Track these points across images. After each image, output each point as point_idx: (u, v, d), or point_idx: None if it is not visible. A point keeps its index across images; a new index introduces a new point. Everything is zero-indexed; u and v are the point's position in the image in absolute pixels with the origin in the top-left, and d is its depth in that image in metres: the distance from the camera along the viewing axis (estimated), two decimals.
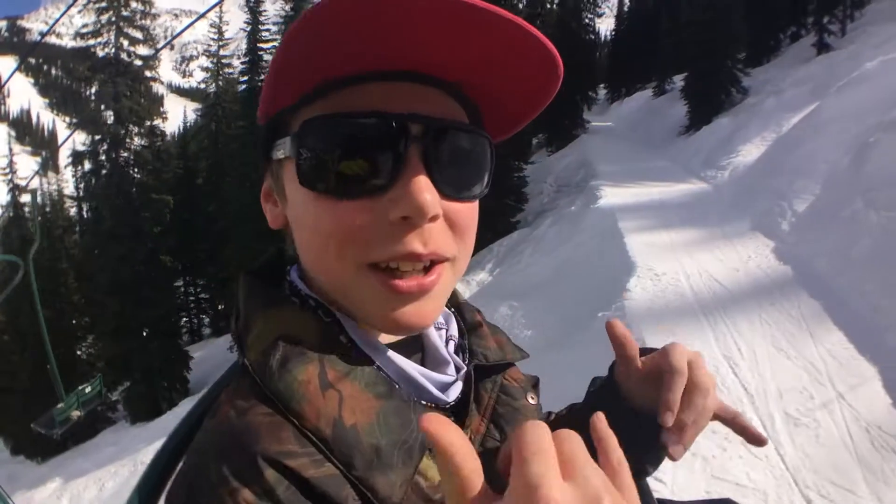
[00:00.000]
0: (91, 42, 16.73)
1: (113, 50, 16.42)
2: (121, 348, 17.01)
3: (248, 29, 17.19)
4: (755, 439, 0.51)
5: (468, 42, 0.39)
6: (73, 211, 23.67)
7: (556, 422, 0.63)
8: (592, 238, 6.88)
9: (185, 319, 24.17)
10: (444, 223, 0.42)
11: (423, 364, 0.48)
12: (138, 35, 16.80)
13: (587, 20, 20.53)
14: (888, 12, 13.94)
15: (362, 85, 0.40)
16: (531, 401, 0.54)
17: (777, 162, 7.64)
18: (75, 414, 9.75)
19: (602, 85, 29.22)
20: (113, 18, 16.34)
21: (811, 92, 10.15)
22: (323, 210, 0.40)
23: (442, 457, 0.28)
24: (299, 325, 0.42)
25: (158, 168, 17.86)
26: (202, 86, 20.30)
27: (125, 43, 16.56)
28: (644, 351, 0.56)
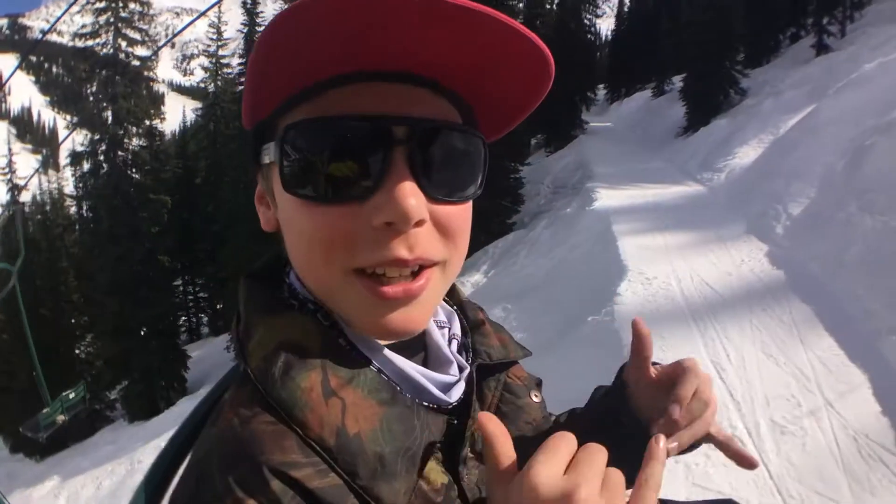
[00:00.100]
0: (90, 43, 16.77)
1: (111, 51, 16.45)
2: (119, 347, 17.08)
3: (245, 30, 17.20)
4: (748, 463, 0.52)
5: (458, 42, 0.38)
6: (73, 209, 23.71)
7: (556, 425, 0.63)
8: (586, 241, 6.87)
9: (183, 318, 24.24)
10: (431, 227, 0.41)
11: (425, 364, 0.48)
12: (136, 36, 16.85)
13: (586, 20, 20.49)
14: (888, 13, 13.88)
15: (348, 86, 0.39)
16: (535, 399, 0.54)
17: (773, 164, 7.61)
18: (60, 418, 10.02)
19: (602, 85, 29.18)
20: (111, 19, 16.40)
21: (809, 93, 10.10)
22: (308, 215, 0.40)
23: (487, 442, 0.37)
24: (300, 331, 0.42)
25: (156, 168, 17.92)
26: (202, 84, 20.31)
27: (123, 44, 16.60)
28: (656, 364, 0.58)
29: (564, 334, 4.54)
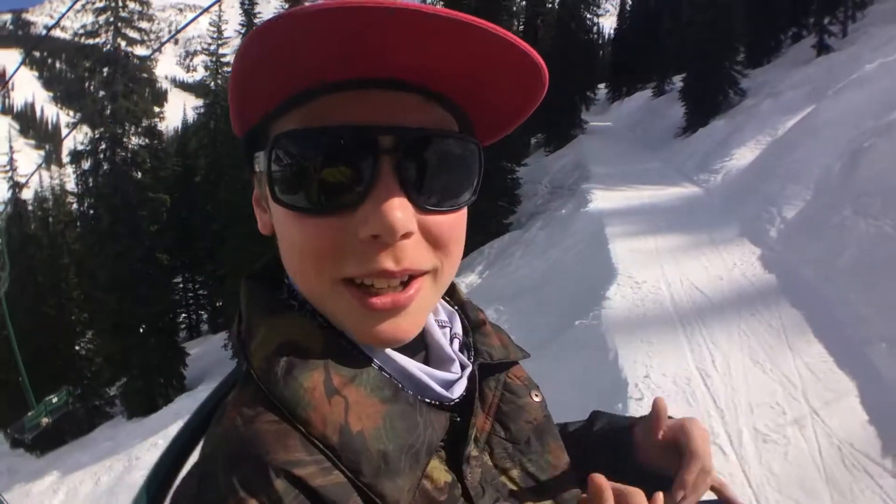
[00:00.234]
0: (89, 42, 16.84)
1: (111, 49, 16.49)
2: (119, 344, 17.19)
3: (243, 31, 17.17)
4: None
5: (450, 52, 0.37)
6: (74, 206, 23.81)
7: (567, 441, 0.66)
8: (580, 242, 6.84)
9: (183, 316, 24.34)
10: (420, 238, 0.41)
11: (426, 362, 0.48)
12: (136, 36, 16.90)
13: (588, 19, 20.39)
14: (890, 13, 13.76)
15: (336, 95, 0.39)
16: (535, 398, 0.54)
17: (770, 166, 7.55)
18: (44, 421, 10.37)
19: (603, 84, 29.08)
20: (111, 19, 16.44)
21: (809, 94, 10.02)
22: (297, 226, 0.40)
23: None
24: (301, 331, 0.42)
25: (156, 167, 17.98)
26: (206, 81, 20.31)
27: (123, 43, 16.64)
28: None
29: (553, 337, 4.53)
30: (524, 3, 20.69)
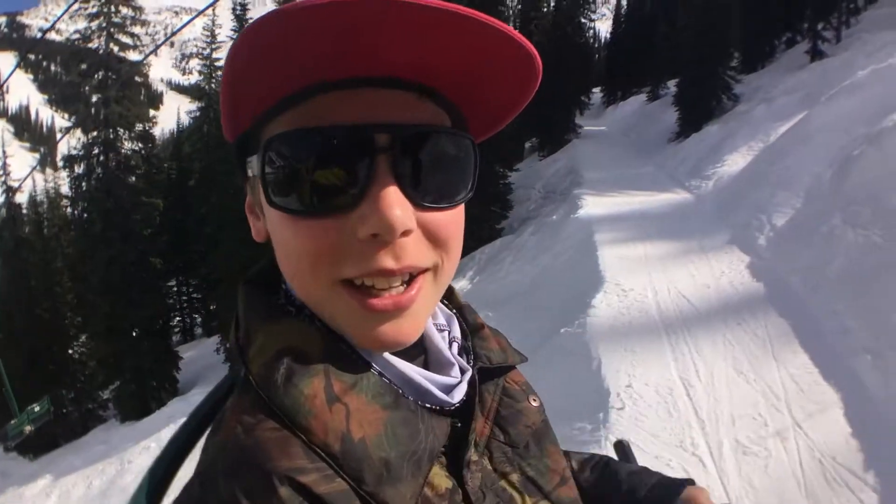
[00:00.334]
0: (82, 48, 16.90)
1: (104, 55, 16.51)
2: (112, 348, 17.11)
3: (234, 36, 17.15)
4: None
5: (443, 45, 0.37)
6: (69, 209, 23.71)
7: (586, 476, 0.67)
8: (569, 249, 6.83)
9: (177, 319, 24.24)
10: (420, 235, 0.40)
11: (426, 366, 0.48)
12: (128, 41, 16.94)
13: (584, 22, 20.45)
14: (884, 19, 13.84)
15: (329, 94, 0.38)
16: (533, 403, 0.54)
17: (761, 173, 7.56)
18: (27, 429, 10.59)
19: (598, 88, 29.15)
20: (104, 24, 16.47)
21: (802, 100, 10.03)
22: (292, 229, 0.40)
23: None
24: (301, 337, 0.42)
25: (149, 172, 17.97)
26: (202, 84, 20.30)
27: (115, 49, 16.66)
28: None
29: (540, 345, 4.50)
30: (519, 6, 20.77)
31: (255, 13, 18.36)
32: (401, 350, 0.44)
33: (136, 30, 17.07)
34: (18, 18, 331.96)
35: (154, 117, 18.52)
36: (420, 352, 0.48)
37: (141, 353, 16.86)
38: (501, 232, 11.58)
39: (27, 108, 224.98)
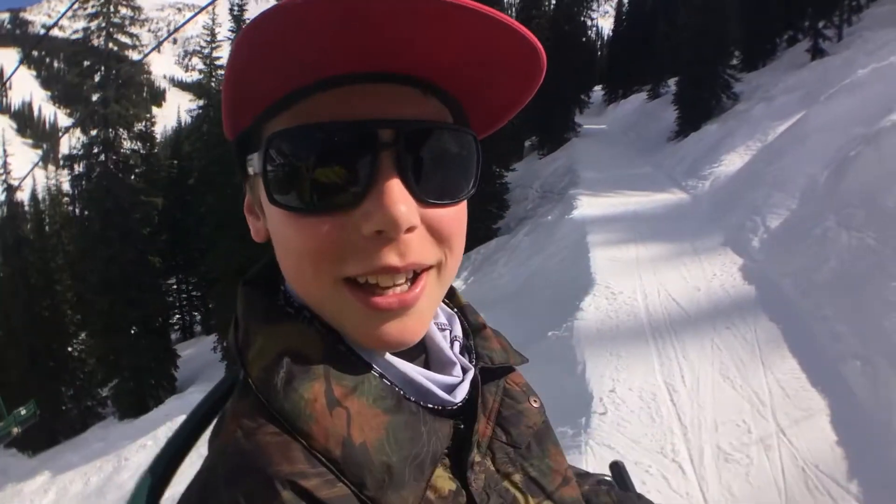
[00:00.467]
0: (82, 47, 16.93)
1: (103, 54, 16.55)
2: (110, 346, 17.18)
3: (232, 36, 17.13)
4: None
5: (447, 40, 0.37)
6: (70, 207, 23.78)
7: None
8: (562, 250, 6.78)
9: (177, 317, 24.32)
10: (424, 232, 0.40)
11: (427, 366, 0.47)
12: (127, 41, 16.99)
13: (584, 19, 20.32)
14: (886, 17, 13.70)
15: (332, 91, 0.38)
16: (534, 404, 0.54)
17: (757, 173, 7.49)
18: (14, 430, 11.05)
19: (600, 86, 29.02)
20: (103, 24, 16.51)
21: (801, 99, 9.95)
22: (294, 227, 0.39)
23: None
24: (300, 340, 0.41)
25: (148, 171, 18.04)
26: (202, 81, 20.32)
27: (115, 48, 16.69)
28: None
29: (526, 348, 4.46)
30: (519, 2, 20.66)
31: (252, 13, 18.28)
32: (402, 349, 0.43)
33: (135, 30, 17.12)
34: (21, 14, 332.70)
35: (153, 116, 18.56)
36: (421, 351, 0.47)
37: (139, 351, 16.93)
38: (498, 232, 11.55)
39: (30, 104, 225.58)
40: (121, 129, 16.95)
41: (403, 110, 0.39)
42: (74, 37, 17.07)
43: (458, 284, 8.56)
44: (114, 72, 16.33)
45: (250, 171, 0.42)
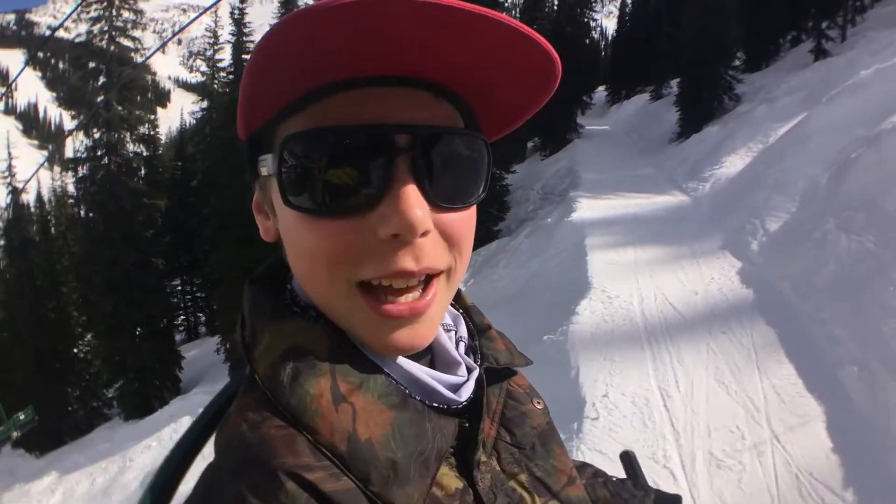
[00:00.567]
0: (86, 50, 17.03)
1: (105, 57, 16.68)
2: (115, 347, 17.28)
3: (232, 41, 17.21)
4: None
5: (462, 46, 0.37)
6: (75, 209, 23.92)
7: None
8: (562, 253, 6.76)
9: (182, 318, 24.42)
10: (437, 236, 0.41)
11: (432, 366, 0.48)
12: (130, 44, 17.11)
13: (586, 23, 20.26)
14: (890, 17, 13.59)
15: (346, 93, 0.39)
16: (538, 406, 0.54)
17: (758, 175, 7.44)
18: (14, 434, 11.48)
19: (603, 87, 28.93)
20: (105, 28, 16.61)
21: (804, 100, 9.87)
22: (309, 229, 0.40)
23: None
24: (307, 337, 0.41)
25: (151, 174, 18.16)
26: (206, 81, 20.42)
27: (116, 51, 16.82)
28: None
29: (523, 351, 4.45)
30: (522, 3, 20.64)
31: (253, 16, 18.33)
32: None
33: (138, 33, 17.24)
34: (27, 16, 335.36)
35: (156, 119, 18.62)
36: (426, 351, 0.48)
37: (144, 352, 17.04)
38: (498, 234, 11.54)
39: (35, 105, 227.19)
40: (124, 133, 17.06)
41: (417, 114, 0.39)
42: (78, 39, 17.19)
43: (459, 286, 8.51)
44: (116, 75, 16.45)
45: (263, 171, 0.43)
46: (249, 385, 0.42)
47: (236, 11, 16.96)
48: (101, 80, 16.92)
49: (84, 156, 17.03)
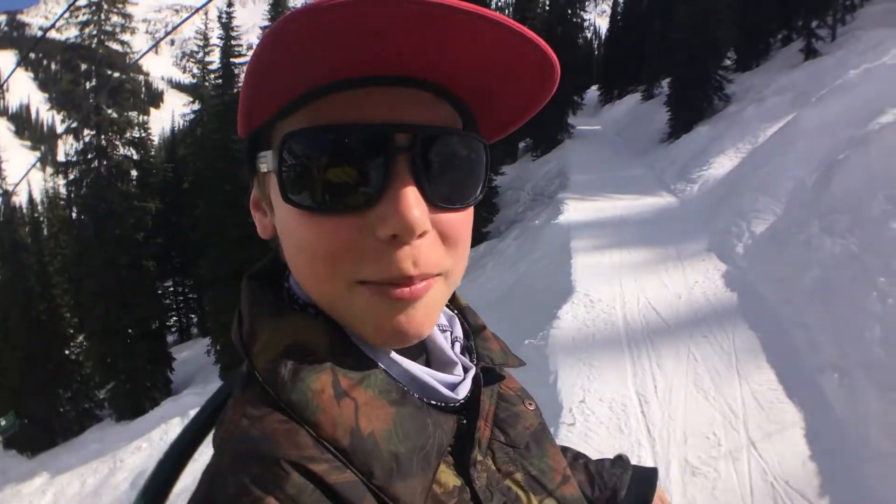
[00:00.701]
0: (76, 53, 16.94)
1: (94, 62, 16.58)
2: (106, 349, 17.22)
3: (220, 45, 17.13)
4: None
5: (463, 47, 0.37)
6: (67, 211, 23.76)
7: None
8: (547, 256, 6.73)
9: (174, 319, 24.33)
10: (435, 236, 0.41)
11: (428, 366, 0.48)
12: (119, 48, 17.02)
13: (577, 23, 20.25)
14: (880, 15, 13.64)
15: (347, 92, 0.39)
16: (529, 407, 0.55)
17: (745, 176, 7.43)
18: None
19: (596, 86, 28.93)
20: (94, 32, 16.53)
21: (793, 100, 9.88)
22: (308, 227, 0.40)
23: None
24: (307, 333, 0.42)
25: (142, 176, 18.07)
26: (198, 82, 20.32)
27: (106, 55, 16.72)
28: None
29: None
30: (513, 6, 20.61)
31: (240, 20, 18.21)
32: (404, 349, 0.44)
33: (126, 37, 17.15)
34: (18, 17, 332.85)
35: (147, 122, 18.53)
36: (422, 351, 0.48)
37: (135, 354, 16.98)
38: (488, 235, 11.50)
39: (28, 106, 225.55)
40: (113, 136, 16.99)
41: (417, 114, 0.39)
42: (69, 41, 17.08)
43: None
44: (105, 79, 16.36)
45: (262, 167, 0.43)
46: (248, 381, 0.42)
47: (224, 16, 16.88)
48: (91, 83, 16.82)
49: (74, 159, 16.95)
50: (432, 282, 0.42)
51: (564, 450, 0.72)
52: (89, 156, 16.79)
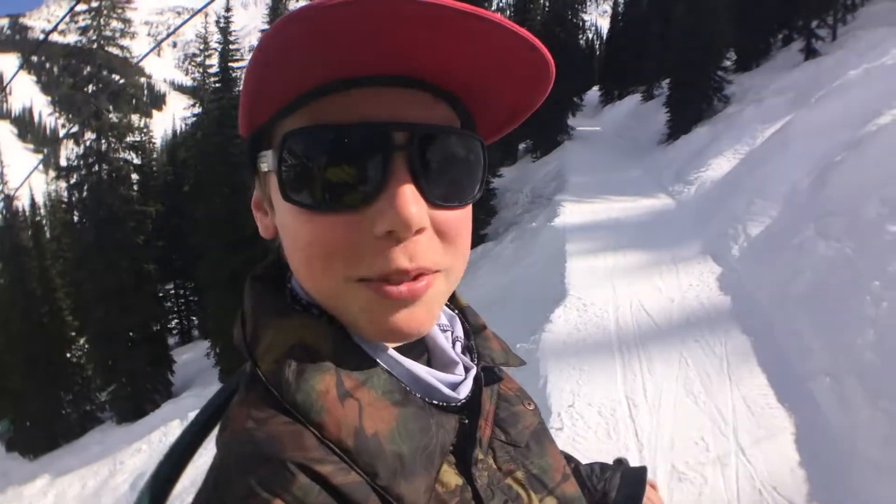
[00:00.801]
0: (74, 60, 17.07)
1: (94, 67, 16.66)
2: (107, 352, 17.29)
3: (219, 49, 17.18)
4: None
5: (459, 46, 0.38)
6: (68, 215, 23.86)
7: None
8: (542, 259, 6.72)
9: (175, 321, 24.40)
10: (432, 234, 0.41)
11: (429, 365, 0.49)
12: (118, 52, 17.09)
13: (576, 24, 20.22)
14: (881, 15, 13.56)
15: (346, 92, 0.39)
16: (528, 407, 0.55)
17: (742, 179, 7.40)
18: None
19: (596, 87, 28.85)
20: (94, 37, 16.60)
21: (792, 101, 9.82)
22: (307, 224, 0.40)
23: None
24: (311, 333, 0.42)
25: (143, 179, 18.15)
26: (199, 83, 20.36)
27: (106, 60, 16.80)
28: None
29: None
30: (513, 7, 20.61)
31: (238, 24, 18.27)
32: (405, 349, 0.45)
33: (126, 42, 17.22)
34: (21, 20, 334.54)
35: (148, 126, 18.61)
36: (423, 351, 0.49)
37: (136, 357, 17.04)
38: (485, 237, 11.49)
39: (30, 109, 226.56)
40: (114, 140, 17.06)
41: (415, 113, 0.40)
42: (71, 45, 17.18)
43: None
44: (105, 84, 16.43)
45: (263, 167, 0.43)
46: (251, 382, 0.42)
47: (221, 20, 16.94)
48: (91, 87, 16.91)
49: (75, 164, 17.00)
50: (432, 279, 0.42)
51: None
52: (90, 160, 16.87)
